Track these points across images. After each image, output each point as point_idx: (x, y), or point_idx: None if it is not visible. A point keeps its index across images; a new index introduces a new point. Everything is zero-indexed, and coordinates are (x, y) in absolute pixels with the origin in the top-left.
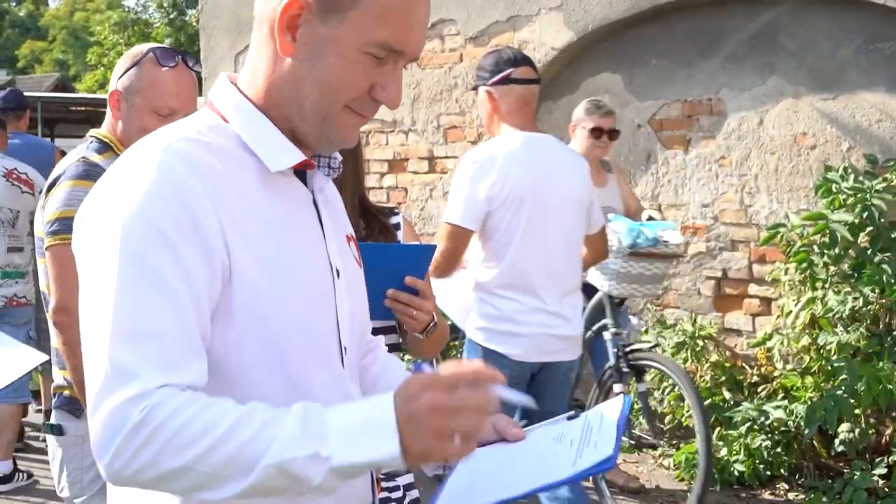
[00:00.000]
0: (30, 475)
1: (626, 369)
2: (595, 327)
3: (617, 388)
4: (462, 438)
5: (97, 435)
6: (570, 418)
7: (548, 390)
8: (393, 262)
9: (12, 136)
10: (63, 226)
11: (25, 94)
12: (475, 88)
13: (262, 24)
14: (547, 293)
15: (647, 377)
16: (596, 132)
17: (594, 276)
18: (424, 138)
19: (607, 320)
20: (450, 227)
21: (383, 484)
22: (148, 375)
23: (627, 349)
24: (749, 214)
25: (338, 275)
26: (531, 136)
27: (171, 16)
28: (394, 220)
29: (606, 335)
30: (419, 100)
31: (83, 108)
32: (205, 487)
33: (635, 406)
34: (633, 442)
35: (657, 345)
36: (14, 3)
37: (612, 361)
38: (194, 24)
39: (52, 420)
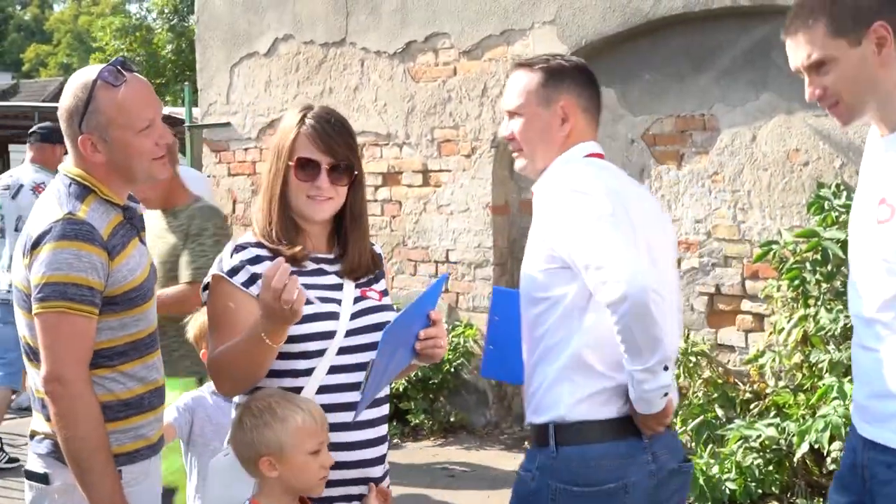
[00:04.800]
0: (13, 460)
1: None
2: None
3: None
4: None
5: None
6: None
7: None
8: (423, 307)
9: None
10: (52, 291)
11: (28, 98)
12: None
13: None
14: None
15: None
16: None
17: None
18: (419, 151)
19: None
20: None
21: None
22: None
23: None
24: (742, 230)
25: None
26: None
27: (172, 22)
28: (377, 249)
29: None
30: (413, 113)
31: None
32: None
33: None
34: None
35: None
36: (19, 7)
37: None
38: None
39: (34, 466)
